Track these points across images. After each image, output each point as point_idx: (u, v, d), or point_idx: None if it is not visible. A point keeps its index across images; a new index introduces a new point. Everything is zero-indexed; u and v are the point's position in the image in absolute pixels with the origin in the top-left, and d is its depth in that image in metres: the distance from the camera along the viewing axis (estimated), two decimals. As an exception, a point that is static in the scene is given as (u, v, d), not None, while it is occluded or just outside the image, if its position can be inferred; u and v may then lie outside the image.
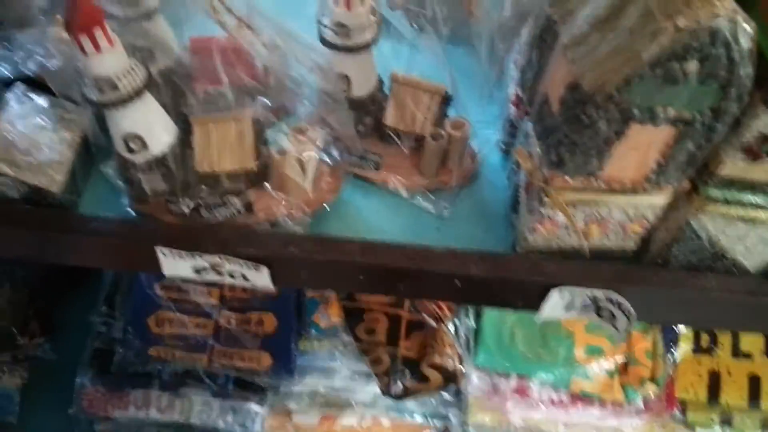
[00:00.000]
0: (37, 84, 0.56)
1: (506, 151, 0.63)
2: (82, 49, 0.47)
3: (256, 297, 1.07)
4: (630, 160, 0.46)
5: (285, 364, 0.94)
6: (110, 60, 0.48)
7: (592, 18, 0.41)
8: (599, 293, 0.52)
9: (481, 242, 0.58)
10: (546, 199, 0.50)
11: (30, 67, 0.55)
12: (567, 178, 0.47)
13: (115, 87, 0.49)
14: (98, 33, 0.47)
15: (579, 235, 0.53)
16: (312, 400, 1.00)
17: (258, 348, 0.97)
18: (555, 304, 0.54)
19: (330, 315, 0.99)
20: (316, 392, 0.99)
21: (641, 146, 0.44)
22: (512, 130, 0.60)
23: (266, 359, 0.95)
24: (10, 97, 0.54)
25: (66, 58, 0.55)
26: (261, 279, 0.56)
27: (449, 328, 0.95)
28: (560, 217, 0.51)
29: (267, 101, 0.57)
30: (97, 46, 0.47)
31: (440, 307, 0.96)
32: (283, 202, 0.55)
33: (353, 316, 0.98)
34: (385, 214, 0.60)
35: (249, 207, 0.55)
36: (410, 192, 0.60)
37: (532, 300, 0.54)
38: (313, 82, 0.58)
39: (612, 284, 0.52)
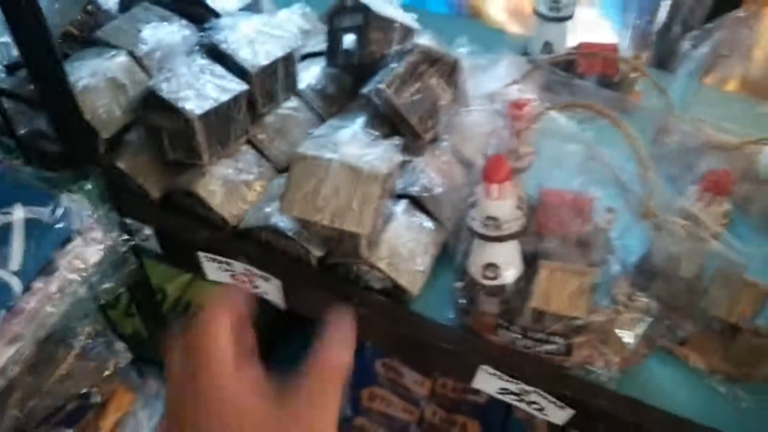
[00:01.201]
0: (415, 201, 0.68)
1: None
2: (489, 195, 0.58)
3: (465, 400, 1.13)
4: None
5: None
6: (505, 207, 0.58)
7: None
8: None
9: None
10: None
11: (415, 188, 0.67)
12: None
13: (499, 227, 0.59)
14: (506, 185, 0.57)
15: None
16: None
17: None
18: None
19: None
20: None
21: None
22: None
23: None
24: (399, 210, 0.66)
25: (445, 187, 0.67)
26: (558, 417, 0.62)
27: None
28: None
29: (593, 256, 0.65)
30: (501, 195, 0.58)
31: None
32: (603, 355, 0.61)
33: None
34: (680, 388, 0.63)
35: (569, 350, 0.62)
36: (710, 374, 0.63)
37: None
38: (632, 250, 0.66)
39: None
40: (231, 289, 0.49)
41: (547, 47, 0.81)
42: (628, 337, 0.61)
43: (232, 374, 0.35)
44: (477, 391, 1.02)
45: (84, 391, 0.66)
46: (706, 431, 0.58)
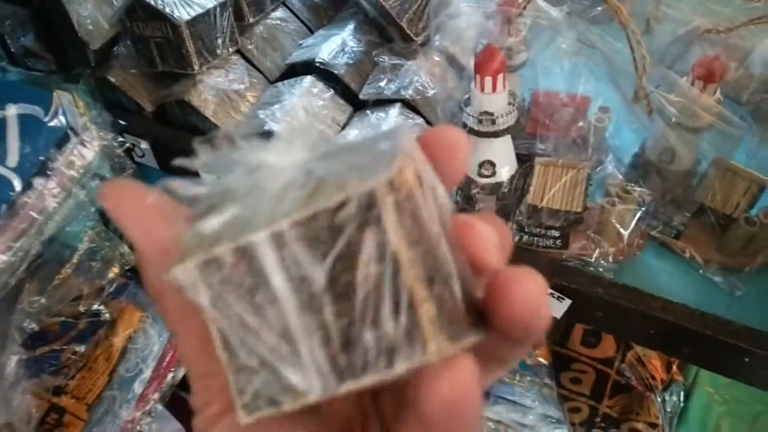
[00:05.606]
0: (409, 105, 0.68)
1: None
2: (482, 88, 0.58)
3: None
4: None
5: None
6: (499, 101, 0.58)
7: None
8: None
9: (768, 326, 0.61)
10: None
11: (408, 92, 0.67)
12: None
13: (494, 122, 0.59)
14: (500, 78, 0.57)
15: None
16: (495, 429, 1.05)
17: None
18: None
19: (538, 354, 1.04)
20: (500, 422, 1.04)
21: None
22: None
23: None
24: (393, 114, 0.66)
25: (438, 89, 0.67)
26: (558, 310, 0.64)
27: (657, 399, 0.96)
28: None
29: (588, 156, 0.66)
30: (494, 89, 0.57)
31: (653, 377, 0.98)
32: (599, 247, 0.62)
33: (561, 363, 1.02)
34: (676, 280, 0.65)
35: (566, 242, 0.63)
36: (705, 265, 0.64)
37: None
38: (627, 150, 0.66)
39: None
40: None
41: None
42: (622, 228, 0.62)
43: None
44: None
45: (94, 308, 0.67)
46: (702, 316, 0.60)
